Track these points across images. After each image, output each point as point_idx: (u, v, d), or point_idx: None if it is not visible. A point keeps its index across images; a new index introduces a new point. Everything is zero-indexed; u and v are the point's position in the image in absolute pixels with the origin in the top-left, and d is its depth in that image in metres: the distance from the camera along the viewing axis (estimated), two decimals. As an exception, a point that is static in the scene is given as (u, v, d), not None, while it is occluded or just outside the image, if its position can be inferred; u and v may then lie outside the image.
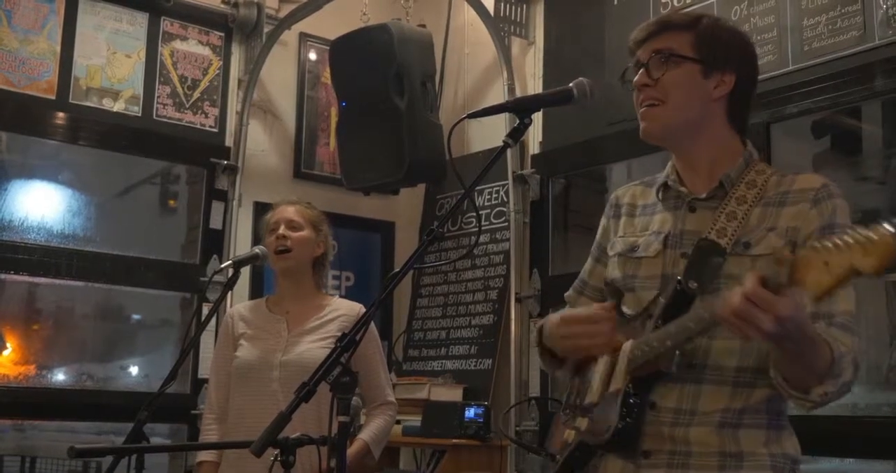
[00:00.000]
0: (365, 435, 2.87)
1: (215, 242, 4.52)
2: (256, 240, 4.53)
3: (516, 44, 4.62)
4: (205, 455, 2.91)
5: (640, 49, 1.85)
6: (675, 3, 3.85)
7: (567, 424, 1.89)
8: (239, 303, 3.26)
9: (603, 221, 2.05)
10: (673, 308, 1.73)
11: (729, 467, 1.70)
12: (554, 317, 1.91)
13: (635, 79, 1.83)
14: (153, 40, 4.49)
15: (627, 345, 1.77)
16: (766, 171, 1.82)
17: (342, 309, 2.96)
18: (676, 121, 1.82)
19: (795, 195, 1.76)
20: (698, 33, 1.82)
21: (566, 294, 2.14)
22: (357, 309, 2.98)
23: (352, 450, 2.80)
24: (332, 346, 2.69)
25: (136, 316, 4.89)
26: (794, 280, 1.40)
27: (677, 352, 1.70)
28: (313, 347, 2.83)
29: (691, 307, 1.71)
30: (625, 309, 1.89)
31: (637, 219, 1.95)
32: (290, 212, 2.99)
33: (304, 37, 4.97)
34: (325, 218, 3.10)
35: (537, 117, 2.06)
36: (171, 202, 4.87)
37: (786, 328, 1.46)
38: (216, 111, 4.64)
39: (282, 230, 2.93)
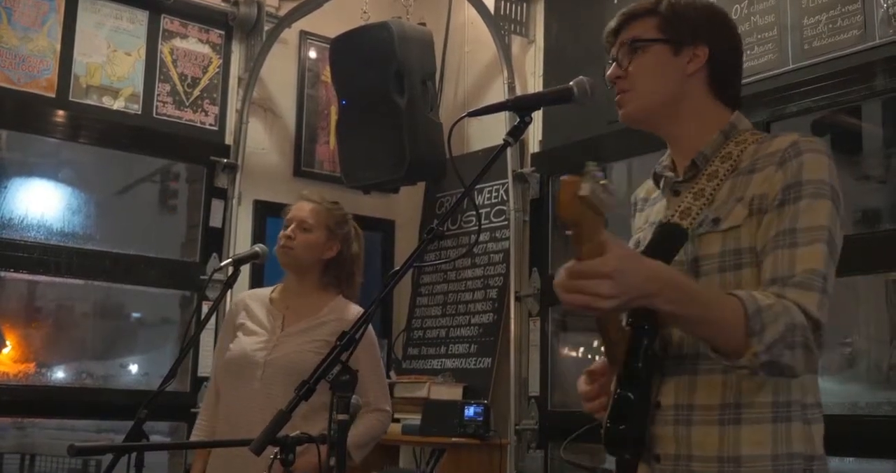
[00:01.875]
0: (347, 439, 2.80)
1: (215, 240, 4.52)
2: (256, 239, 4.56)
3: (516, 42, 4.62)
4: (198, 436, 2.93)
5: (613, 45, 1.84)
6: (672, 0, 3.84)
7: None
8: (246, 291, 3.23)
9: (631, 223, 2.00)
10: None
11: None
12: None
13: (608, 73, 1.81)
14: (153, 38, 4.49)
15: None
16: (746, 140, 1.72)
17: (337, 313, 2.89)
18: (650, 104, 1.77)
19: (765, 160, 1.65)
20: (661, 14, 1.78)
21: None
22: (352, 313, 2.89)
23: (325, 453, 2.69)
24: (321, 351, 2.69)
25: (135, 315, 4.89)
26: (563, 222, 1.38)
27: (646, 343, 1.60)
28: (301, 350, 2.79)
29: None
30: None
31: (644, 213, 1.91)
32: (305, 211, 2.94)
33: (304, 35, 4.97)
34: (346, 218, 2.99)
35: (537, 116, 2.05)
36: (171, 200, 4.87)
37: (630, 285, 1.39)
38: (216, 109, 4.63)
39: (290, 230, 2.91)
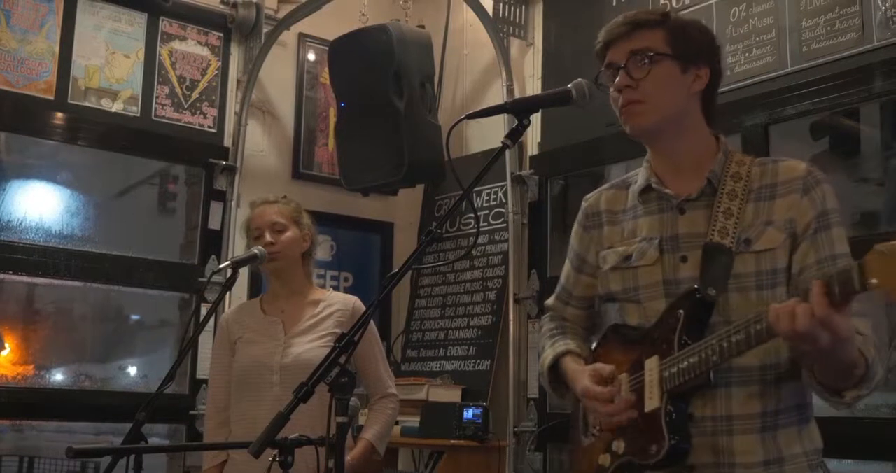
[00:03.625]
0: (369, 434, 2.88)
1: (214, 243, 4.52)
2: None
3: (515, 45, 4.62)
4: (210, 460, 2.90)
5: (612, 50, 1.85)
6: (674, 4, 3.85)
7: (594, 447, 1.85)
8: (231, 308, 3.25)
9: (577, 229, 2.03)
10: (695, 318, 1.71)
11: None
12: (572, 366, 1.91)
13: (616, 81, 1.82)
14: (152, 40, 4.49)
15: (654, 363, 1.72)
16: (745, 161, 1.82)
17: (337, 305, 2.97)
18: (661, 118, 1.81)
19: (784, 186, 1.76)
20: (670, 29, 1.82)
21: (548, 302, 2.13)
22: (351, 302, 2.99)
23: (357, 451, 2.82)
24: (330, 344, 2.72)
25: (134, 317, 4.88)
26: (866, 284, 1.37)
27: None
28: (312, 347, 2.83)
29: (713, 314, 1.71)
30: (629, 320, 1.86)
31: (619, 226, 1.93)
32: (271, 214, 2.97)
33: (302, 37, 4.97)
34: (302, 208, 3.08)
35: (536, 118, 2.06)
36: (170, 202, 4.86)
37: (840, 345, 1.49)
38: (215, 111, 4.64)
39: (268, 237, 2.92)
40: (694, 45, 1.82)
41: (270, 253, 2.90)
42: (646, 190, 1.88)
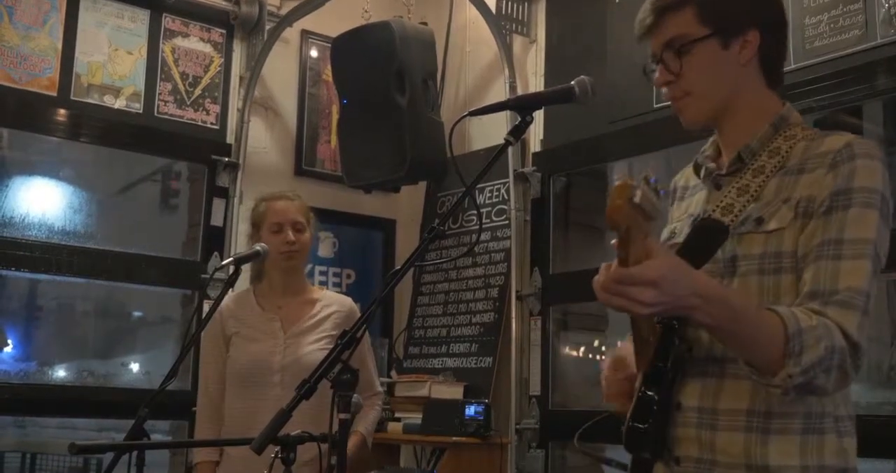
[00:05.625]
0: (361, 428, 2.92)
1: (216, 239, 4.52)
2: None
3: (518, 42, 4.62)
4: (203, 456, 2.89)
5: (649, 41, 1.71)
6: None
7: None
8: (224, 299, 3.25)
9: (669, 210, 1.93)
10: None
11: None
12: None
13: (656, 78, 1.70)
14: (155, 37, 4.49)
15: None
16: (796, 136, 1.64)
17: (334, 305, 3.00)
18: (713, 105, 1.68)
19: (815, 160, 1.57)
20: (699, 4, 1.65)
21: None
22: (348, 303, 3.04)
23: (351, 443, 2.84)
24: (331, 346, 2.74)
25: (136, 313, 4.89)
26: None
27: (676, 343, 1.58)
28: (313, 348, 2.85)
29: None
30: None
31: (683, 202, 1.84)
32: (293, 211, 3.00)
33: (305, 34, 4.97)
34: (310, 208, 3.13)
35: (539, 115, 2.05)
36: (172, 199, 4.87)
37: (673, 295, 1.36)
38: (217, 108, 4.63)
39: (291, 235, 2.94)
40: (731, 13, 1.65)
41: (290, 252, 2.93)
42: (697, 165, 1.78)
